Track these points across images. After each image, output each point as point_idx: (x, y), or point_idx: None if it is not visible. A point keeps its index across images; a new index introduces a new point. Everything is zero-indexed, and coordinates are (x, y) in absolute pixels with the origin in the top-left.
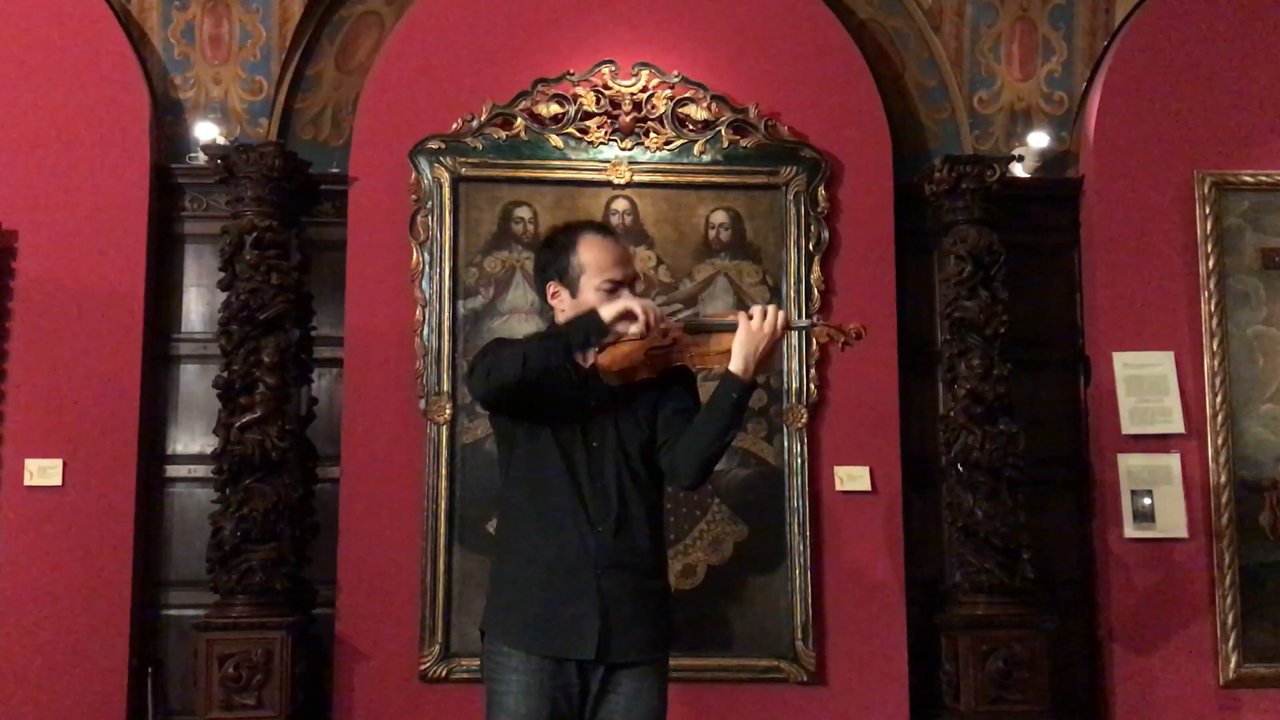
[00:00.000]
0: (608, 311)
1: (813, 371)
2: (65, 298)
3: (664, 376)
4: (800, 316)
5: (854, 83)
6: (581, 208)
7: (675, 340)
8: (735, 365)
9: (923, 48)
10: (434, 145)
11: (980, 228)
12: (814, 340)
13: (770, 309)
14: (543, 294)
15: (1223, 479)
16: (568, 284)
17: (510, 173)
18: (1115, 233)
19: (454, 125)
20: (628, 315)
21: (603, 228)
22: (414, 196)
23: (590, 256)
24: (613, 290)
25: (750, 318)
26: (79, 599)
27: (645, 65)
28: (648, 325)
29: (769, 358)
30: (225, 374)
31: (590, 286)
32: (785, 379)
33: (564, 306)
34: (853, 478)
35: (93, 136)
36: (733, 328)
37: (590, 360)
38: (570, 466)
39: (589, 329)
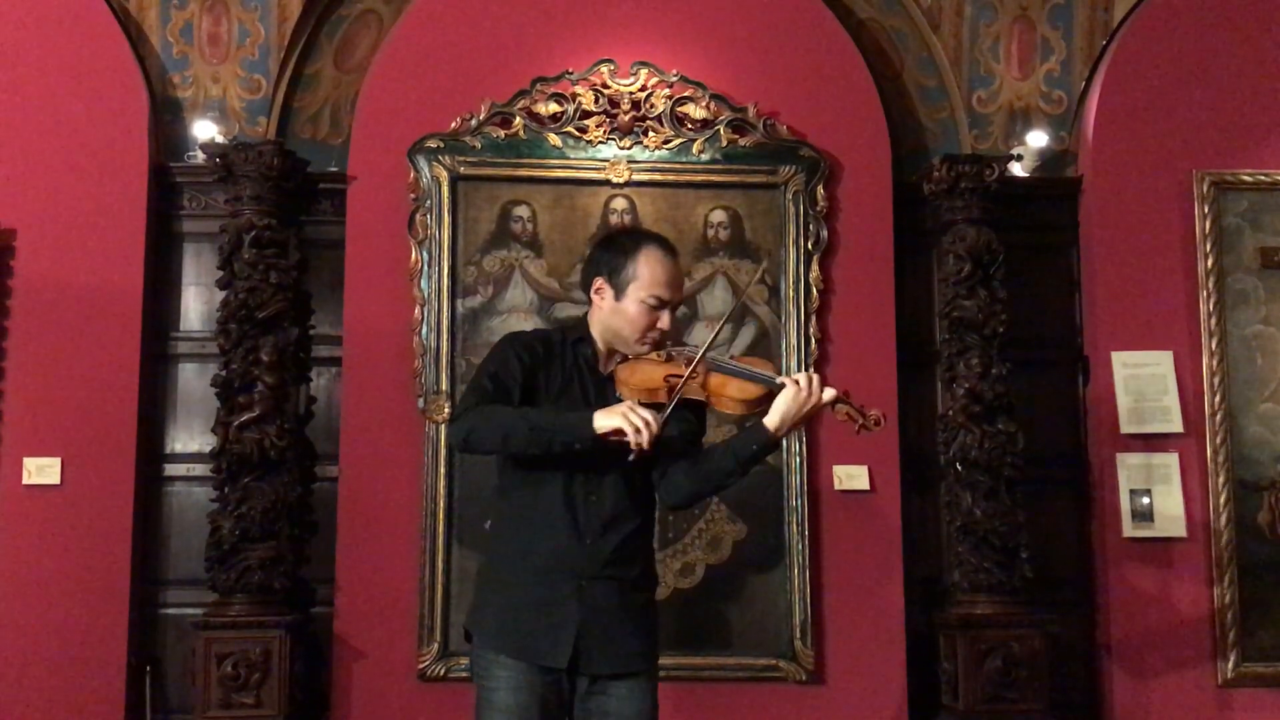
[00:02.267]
0: (601, 424)
1: (811, 370)
2: (64, 296)
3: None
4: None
5: (853, 82)
6: (580, 207)
7: (695, 373)
8: (771, 421)
9: (922, 47)
10: (433, 144)
11: (979, 227)
12: (811, 339)
13: (815, 378)
14: (587, 287)
15: (1221, 478)
16: (615, 285)
17: (509, 172)
18: (1114, 232)
19: (453, 124)
20: (620, 432)
21: (668, 245)
22: (413, 195)
23: (647, 268)
24: (657, 307)
25: (798, 384)
26: (77, 597)
27: (644, 64)
28: (640, 447)
29: (803, 424)
30: (224, 373)
31: (636, 297)
32: None
33: (604, 306)
34: (851, 477)
35: (91, 135)
36: (755, 378)
37: (608, 369)
38: (567, 475)
39: (578, 435)
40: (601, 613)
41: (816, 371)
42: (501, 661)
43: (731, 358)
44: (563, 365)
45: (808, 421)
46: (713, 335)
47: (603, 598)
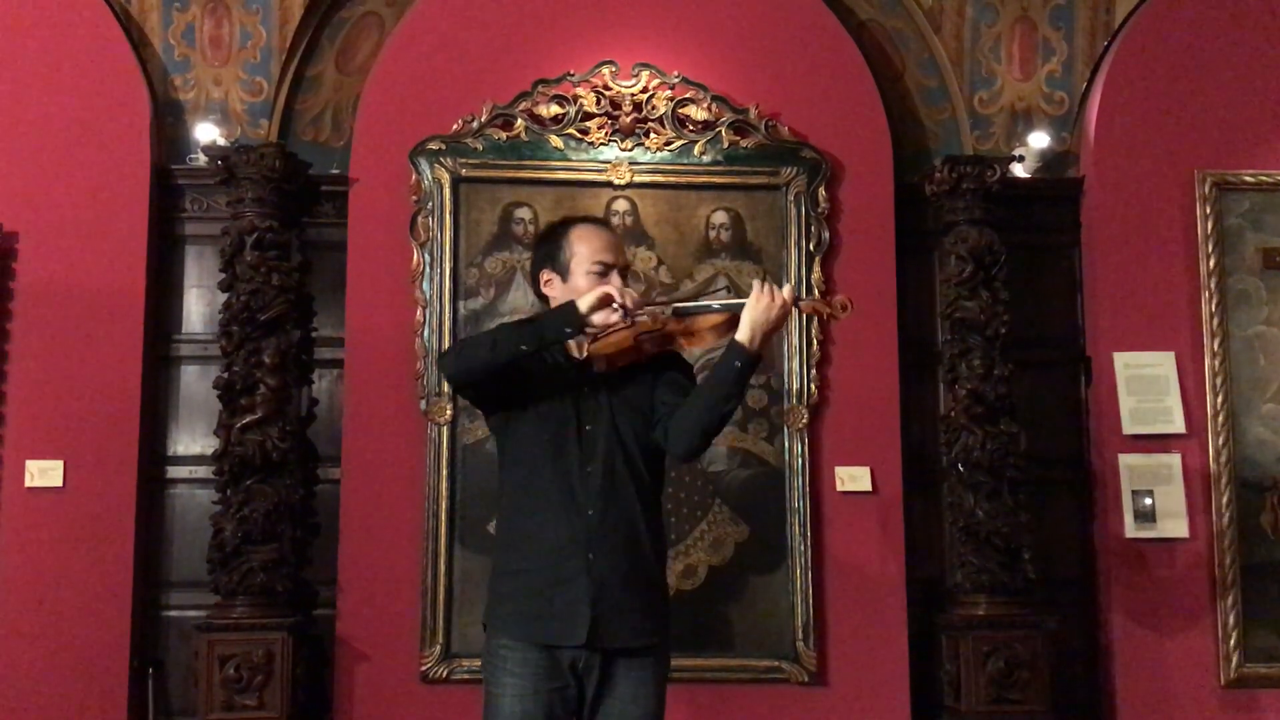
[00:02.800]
0: (584, 302)
1: (813, 372)
2: (66, 299)
3: (659, 362)
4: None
5: (854, 83)
6: (582, 208)
7: (664, 324)
8: (742, 335)
9: (923, 48)
10: (434, 146)
11: (981, 228)
12: (813, 340)
13: (770, 284)
14: (538, 287)
15: (1224, 479)
16: (559, 270)
17: (510, 173)
18: (1116, 233)
19: (454, 126)
20: (604, 302)
21: (595, 219)
22: (414, 197)
23: (582, 243)
24: (603, 273)
25: (758, 293)
26: (80, 600)
27: (645, 66)
28: (625, 308)
29: (775, 331)
30: (226, 375)
31: (581, 271)
32: (786, 379)
33: (556, 294)
34: (854, 478)
35: (93, 138)
36: (719, 310)
37: (584, 353)
38: (560, 451)
39: (566, 319)
40: (612, 586)
41: (818, 373)
42: (511, 667)
43: (683, 300)
44: (543, 362)
45: (780, 326)
46: (666, 296)
47: (611, 568)
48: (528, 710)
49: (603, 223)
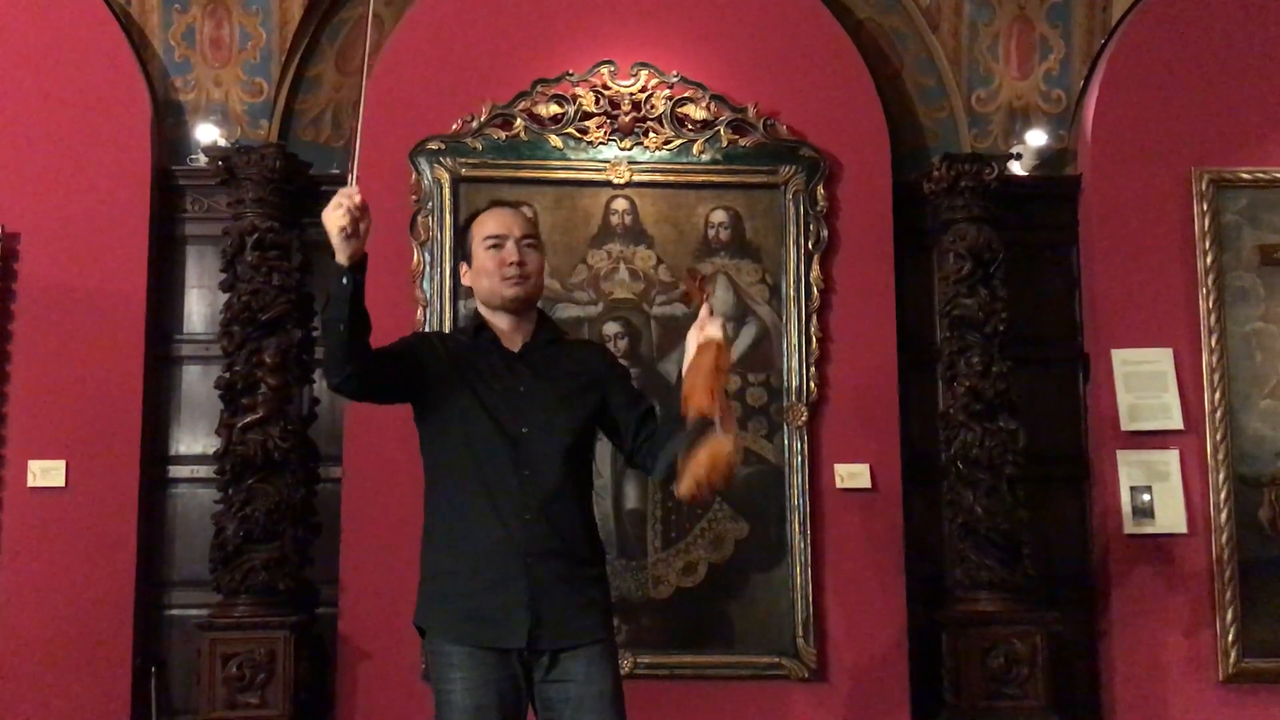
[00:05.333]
0: (330, 234)
1: (813, 370)
2: (68, 300)
3: (588, 362)
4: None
5: (852, 82)
6: (581, 207)
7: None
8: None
9: (921, 47)
10: (434, 146)
11: (979, 225)
12: (813, 338)
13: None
14: (460, 282)
15: (1222, 475)
16: (467, 258)
17: (510, 173)
18: (1113, 230)
19: (454, 126)
20: (335, 225)
21: (494, 203)
22: (414, 197)
23: (478, 228)
24: (496, 245)
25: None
26: (83, 599)
27: (644, 65)
28: (350, 205)
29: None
30: (227, 375)
31: (479, 250)
32: (785, 377)
33: (470, 281)
34: (853, 475)
35: (94, 139)
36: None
37: (518, 347)
38: (493, 454)
39: (339, 270)
40: (552, 588)
41: (818, 371)
42: (456, 662)
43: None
44: (476, 355)
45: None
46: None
47: (550, 573)
48: (480, 703)
49: (500, 203)
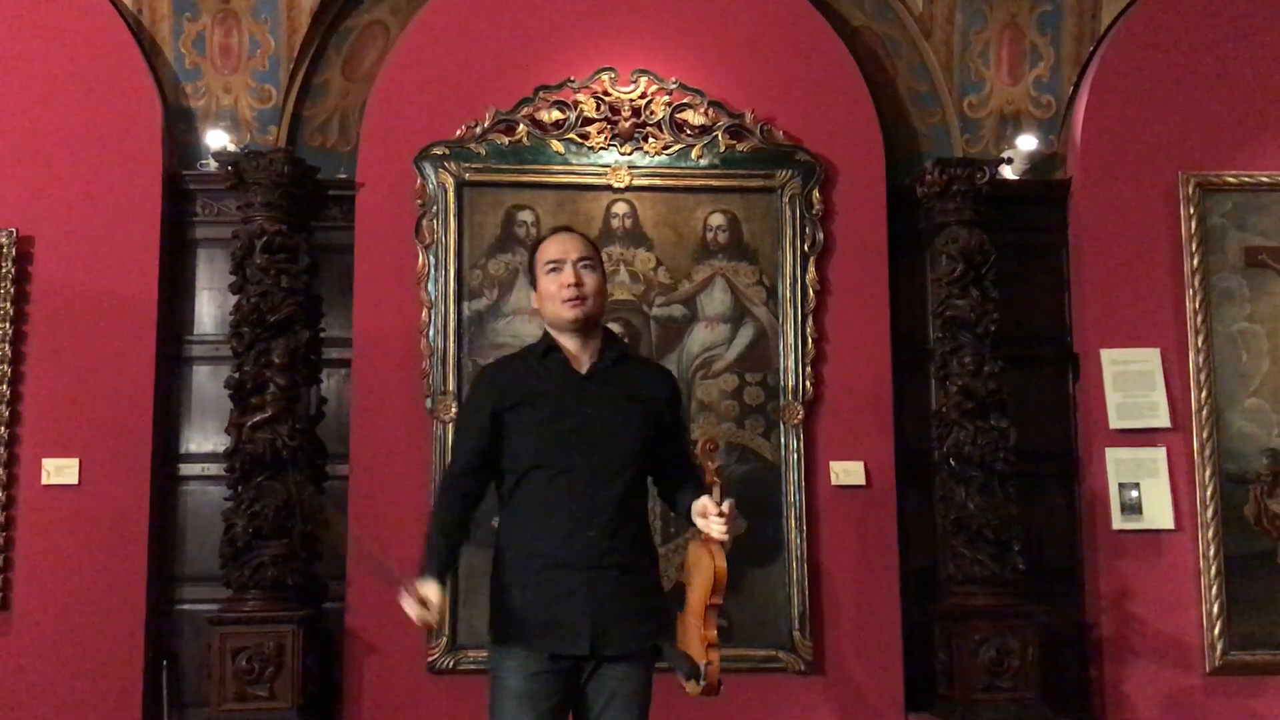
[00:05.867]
0: (406, 598)
1: (809, 369)
2: (81, 302)
3: (655, 386)
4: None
5: (847, 88)
6: (582, 211)
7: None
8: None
9: (914, 54)
10: (439, 151)
11: (971, 228)
12: (809, 339)
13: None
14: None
15: (1208, 472)
16: (533, 283)
17: (513, 177)
18: (1102, 233)
19: (458, 131)
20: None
21: (557, 229)
22: (419, 201)
23: (540, 255)
24: (555, 269)
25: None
26: (96, 595)
27: (644, 72)
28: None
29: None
30: (237, 375)
31: (541, 275)
32: (782, 377)
33: (537, 305)
34: (848, 472)
35: (107, 145)
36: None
37: (586, 368)
38: (569, 471)
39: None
40: (612, 600)
41: (814, 371)
42: (513, 652)
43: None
44: (545, 377)
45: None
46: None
47: (610, 586)
48: (534, 688)
49: (561, 229)
